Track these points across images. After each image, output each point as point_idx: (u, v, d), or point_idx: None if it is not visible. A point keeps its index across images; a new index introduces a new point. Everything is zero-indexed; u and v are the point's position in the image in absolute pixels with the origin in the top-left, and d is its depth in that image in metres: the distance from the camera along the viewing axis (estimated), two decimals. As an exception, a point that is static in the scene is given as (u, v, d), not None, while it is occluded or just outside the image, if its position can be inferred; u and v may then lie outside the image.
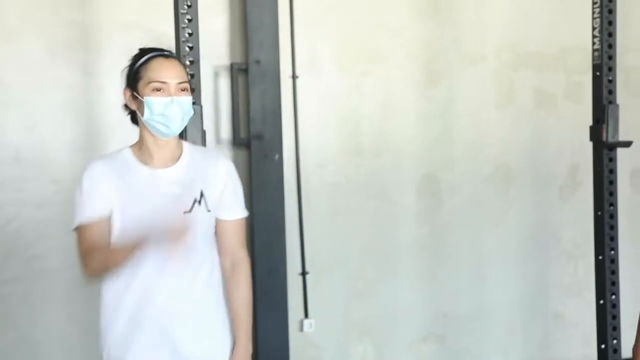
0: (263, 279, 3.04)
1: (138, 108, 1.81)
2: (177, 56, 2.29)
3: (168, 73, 1.79)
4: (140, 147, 1.85)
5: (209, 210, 1.84)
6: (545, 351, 3.66)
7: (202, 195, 1.82)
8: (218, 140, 3.14)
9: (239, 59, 3.14)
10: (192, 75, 2.29)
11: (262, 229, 3.05)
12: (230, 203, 1.90)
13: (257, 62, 3.08)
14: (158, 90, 1.77)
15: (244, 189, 3.14)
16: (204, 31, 2.93)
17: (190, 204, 1.80)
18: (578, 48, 3.56)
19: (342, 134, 3.34)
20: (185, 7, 2.35)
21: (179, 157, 1.85)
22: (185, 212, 1.78)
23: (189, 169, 1.85)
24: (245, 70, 3.10)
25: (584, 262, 3.52)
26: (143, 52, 1.83)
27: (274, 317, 3.04)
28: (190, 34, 2.35)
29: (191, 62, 2.33)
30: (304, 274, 3.22)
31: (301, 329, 3.23)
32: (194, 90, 2.30)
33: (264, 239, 3.05)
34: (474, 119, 3.56)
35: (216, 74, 3.14)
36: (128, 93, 1.83)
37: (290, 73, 3.19)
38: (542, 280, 3.66)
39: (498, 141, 3.61)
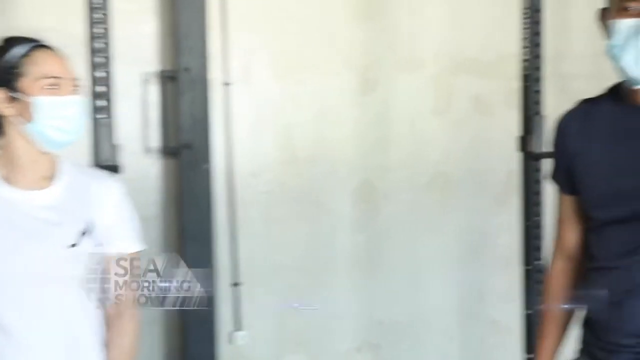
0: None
1: (21, 112, 1.45)
2: (92, 66, 2.24)
3: (62, 68, 1.48)
4: (6, 163, 1.51)
5: (97, 245, 1.53)
6: (482, 358, 3.67)
7: (88, 224, 1.52)
8: (147, 150, 3.08)
9: (168, 66, 3.08)
10: (106, 86, 2.25)
11: (192, 240, 3.00)
12: (119, 233, 1.60)
13: (186, 69, 3.02)
14: (53, 87, 1.45)
15: (174, 199, 3.16)
16: (132, 38, 2.91)
17: (74, 235, 1.50)
18: (516, 55, 3.56)
19: (277, 141, 3.30)
20: (101, 15, 2.29)
21: (54, 177, 1.53)
22: (69, 246, 1.49)
23: (70, 191, 1.53)
24: (174, 78, 3.05)
25: (520, 269, 3.53)
26: (15, 41, 1.49)
27: (203, 330, 2.99)
28: (105, 44, 2.29)
29: (106, 72, 2.28)
30: (236, 285, 3.18)
31: (233, 342, 3.19)
32: (109, 100, 2.26)
33: (193, 251, 3.00)
34: (411, 125, 3.55)
35: (145, 82, 3.07)
36: (1, 94, 1.46)
37: (223, 80, 3.14)
38: (478, 287, 3.67)
39: (436, 148, 3.59)
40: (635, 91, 1.42)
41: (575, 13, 3.82)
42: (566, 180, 1.57)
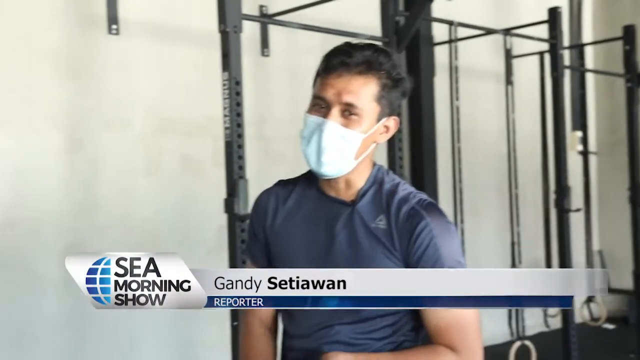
0: None
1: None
2: None
3: None
4: None
5: None
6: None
7: None
8: None
9: None
10: None
11: None
12: None
13: None
14: None
15: None
16: None
17: None
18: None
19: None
20: None
21: None
22: None
23: None
24: None
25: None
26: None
27: None
28: None
29: None
30: None
31: None
32: None
33: None
34: (121, 185, 3.55)
35: None
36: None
37: None
38: (191, 340, 3.75)
39: (147, 207, 3.63)
40: (322, 180, 1.52)
41: (274, 82, 4.17)
42: (262, 255, 1.62)
